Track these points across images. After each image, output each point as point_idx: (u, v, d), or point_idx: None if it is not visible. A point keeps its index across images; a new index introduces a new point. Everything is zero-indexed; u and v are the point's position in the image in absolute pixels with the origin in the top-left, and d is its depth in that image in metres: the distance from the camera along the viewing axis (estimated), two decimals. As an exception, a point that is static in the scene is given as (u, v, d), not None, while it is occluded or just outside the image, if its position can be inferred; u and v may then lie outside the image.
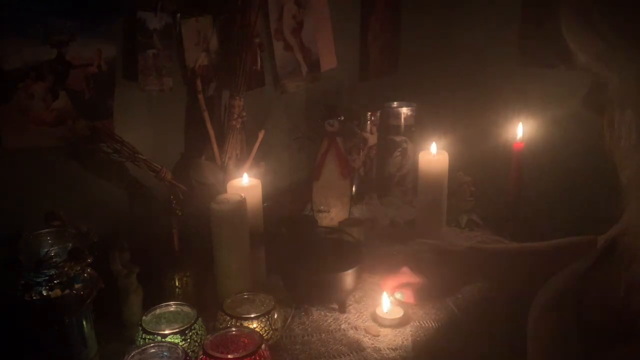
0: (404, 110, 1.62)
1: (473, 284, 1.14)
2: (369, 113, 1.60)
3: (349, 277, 1.12)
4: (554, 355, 0.66)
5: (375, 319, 1.12)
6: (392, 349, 1.05)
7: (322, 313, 1.14)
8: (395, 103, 1.64)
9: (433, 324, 1.13)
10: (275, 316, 1.02)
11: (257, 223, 1.22)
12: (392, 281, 1.12)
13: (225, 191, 1.21)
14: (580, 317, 0.62)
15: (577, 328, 0.62)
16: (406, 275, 1.11)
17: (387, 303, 1.12)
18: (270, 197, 1.32)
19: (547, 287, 0.72)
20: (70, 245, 0.90)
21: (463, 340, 1.13)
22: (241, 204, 1.12)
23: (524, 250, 1.05)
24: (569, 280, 0.68)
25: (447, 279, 1.06)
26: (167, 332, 0.93)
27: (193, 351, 0.93)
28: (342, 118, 1.42)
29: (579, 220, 0.68)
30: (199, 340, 0.94)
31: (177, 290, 1.12)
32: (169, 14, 1.22)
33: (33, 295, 0.85)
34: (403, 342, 1.07)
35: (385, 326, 1.10)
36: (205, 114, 1.27)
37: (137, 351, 0.86)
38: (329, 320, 1.12)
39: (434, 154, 1.42)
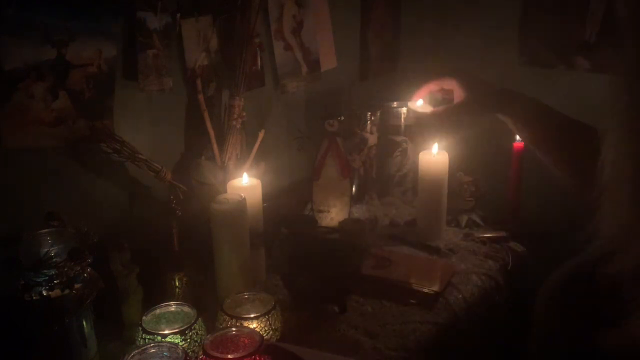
0: (404, 110, 1.61)
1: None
2: (369, 113, 1.59)
3: (349, 277, 1.12)
4: (558, 330, 0.70)
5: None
6: (392, 349, 1.05)
7: (323, 313, 1.14)
8: (395, 103, 1.64)
9: (433, 324, 1.13)
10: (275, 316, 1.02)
11: (257, 223, 1.22)
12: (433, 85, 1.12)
13: (225, 191, 1.21)
14: (585, 300, 0.67)
15: (581, 309, 0.66)
16: (449, 84, 1.10)
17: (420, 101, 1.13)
18: (270, 197, 1.32)
19: (559, 271, 0.75)
20: (71, 245, 0.90)
21: (463, 340, 1.13)
22: (241, 204, 1.12)
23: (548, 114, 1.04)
24: (579, 267, 0.72)
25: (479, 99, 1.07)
26: (167, 332, 0.93)
27: (193, 351, 0.93)
28: (342, 118, 1.42)
29: (580, 220, 0.68)
30: (199, 340, 0.94)
31: (177, 290, 1.12)
32: (169, 14, 1.22)
33: (33, 295, 0.85)
34: (403, 342, 1.07)
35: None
36: (205, 114, 1.27)
37: (137, 351, 0.86)
38: (329, 320, 1.12)
39: (434, 154, 1.42)
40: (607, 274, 0.63)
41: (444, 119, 1.10)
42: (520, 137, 1.09)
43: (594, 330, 0.63)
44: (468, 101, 1.07)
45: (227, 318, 0.98)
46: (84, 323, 0.93)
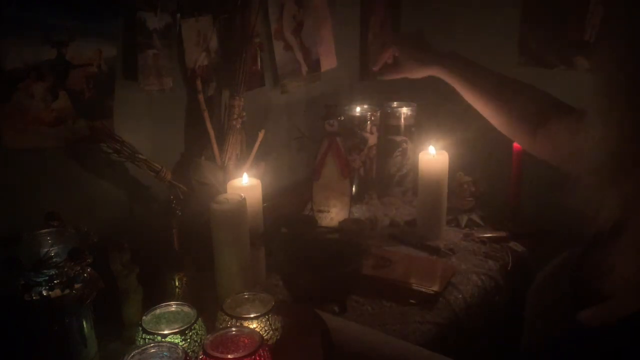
0: (404, 110, 1.61)
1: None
2: (369, 113, 1.60)
3: (349, 277, 1.12)
4: (546, 313, 0.79)
5: None
6: (392, 349, 1.05)
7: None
8: (395, 103, 1.64)
9: (433, 324, 1.13)
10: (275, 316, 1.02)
11: (257, 223, 1.22)
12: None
13: (225, 191, 1.21)
14: (573, 286, 0.75)
15: (570, 295, 0.74)
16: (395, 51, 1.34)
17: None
18: (270, 197, 1.32)
19: (548, 266, 0.84)
20: (71, 245, 0.90)
21: (463, 340, 1.13)
22: (241, 204, 1.12)
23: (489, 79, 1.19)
24: (566, 260, 0.80)
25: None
26: (167, 332, 0.93)
27: (193, 351, 0.93)
28: (342, 118, 1.42)
29: (580, 219, 0.70)
30: (199, 340, 0.94)
31: (177, 290, 1.12)
32: (169, 14, 1.22)
33: (33, 295, 0.85)
34: (403, 342, 1.07)
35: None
36: (205, 114, 1.27)
37: (137, 351, 0.86)
38: (329, 320, 1.12)
39: (434, 154, 1.42)
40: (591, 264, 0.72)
41: (390, 77, 1.37)
42: (465, 96, 1.23)
43: (579, 308, 0.69)
44: (406, 61, 1.29)
45: (227, 318, 0.98)
46: (84, 323, 0.93)
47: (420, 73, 1.28)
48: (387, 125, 1.63)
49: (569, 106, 1.05)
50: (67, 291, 0.87)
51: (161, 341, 0.91)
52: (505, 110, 1.14)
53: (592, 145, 0.68)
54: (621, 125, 0.64)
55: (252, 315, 0.99)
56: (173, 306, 1.00)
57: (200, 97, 1.26)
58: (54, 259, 0.87)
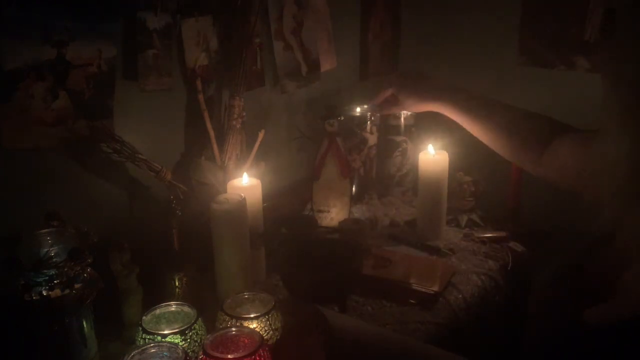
0: (404, 111, 1.61)
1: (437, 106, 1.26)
2: (369, 113, 1.59)
3: (349, 277, 1.12)
4: (550, 313, 0.79)
5: None
6: (392, 349, 1.05)
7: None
8: (395, 103, 1.64)
9: (433, 324, 1.13)
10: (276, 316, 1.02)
11: (257, 223, 1.22)
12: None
13: (225, 191, 1.21)
14: (575, 285, 0.75)
15: (572, 293, 0.75)
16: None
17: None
18: (270, 197, 1.32)
19: (549, 266, 0.78)
20: (71, 245, 0.90)
21: (463, 340, 1.13)
22: (241, 204, 1.12)
23: (495, 110, 1.17)
24: (567, 261, 0.80)
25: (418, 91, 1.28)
26: (167, 332, 0.93)
27: (193, 351, 0.93)
28: (342, 118, 1.42)
29: (580, 219, 0.69)
30: (199, 340, 0.94)
31: (177, 290, 1.12)
32: (169, 14, 1.22)
33: (33, 295, 0.85)
34: (403, 342, 1.07)
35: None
36: (205, 114, 1.27)
37: (137, 351, 0.86)
38: (329, 320, 1.12)
39: (433, 155, 1.42)
40: (593, 264, 0.67)
41: (389, 112, 1.44)
42: (467, 128, 1.23)
43: (581, 309, 0.68)
44: (405, 98, 1.30)
45: (227, 318, 0.98)
46: (84, 323, 0.93)
47: (419, 109, 1.31)
48: (387, 125, 1.63)
49: (572, 127, 1.03)
50: (67, 291, 0.87)
51: (161, 341, 0.91)
52: (509, 140, 1.13)
53: (611, 164, 0.64)
54: None
55: (252, 315, 0.99)
56: (173, 306, 1.00)
57: (200, 97, 1.26)
58: (54, 259, 0.87)
